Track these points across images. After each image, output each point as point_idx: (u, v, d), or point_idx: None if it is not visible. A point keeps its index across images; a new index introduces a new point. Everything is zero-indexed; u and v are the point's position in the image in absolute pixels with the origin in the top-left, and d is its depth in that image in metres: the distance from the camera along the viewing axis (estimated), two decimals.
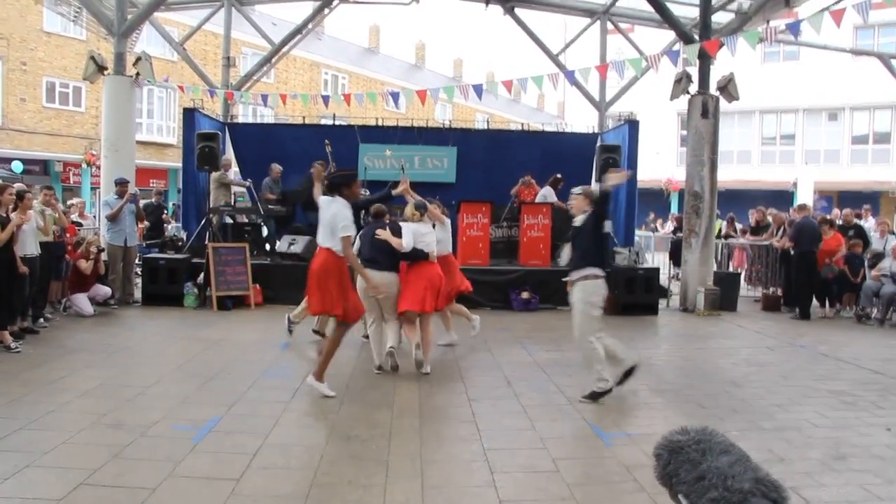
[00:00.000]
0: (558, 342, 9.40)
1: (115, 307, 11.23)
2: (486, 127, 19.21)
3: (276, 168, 14.26)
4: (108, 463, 4.66)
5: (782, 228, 13.45)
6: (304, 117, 18.40)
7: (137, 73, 13.36)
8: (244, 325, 10.23)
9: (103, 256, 11.12)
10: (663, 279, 13.65)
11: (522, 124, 24.30)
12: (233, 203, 14.43)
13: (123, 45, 13.44)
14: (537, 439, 5.41)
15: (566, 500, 4.31)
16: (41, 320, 9.55)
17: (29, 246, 8.74)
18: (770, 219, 14.69)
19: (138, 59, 13.40)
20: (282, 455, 4.97)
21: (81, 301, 10.54)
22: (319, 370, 6.52)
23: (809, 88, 28.64)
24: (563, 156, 15.43)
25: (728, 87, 12.90)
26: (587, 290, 6.44)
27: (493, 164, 15.22)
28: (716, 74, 12.92)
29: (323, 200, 6.59)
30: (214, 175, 13.40)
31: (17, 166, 19.81)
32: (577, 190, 6.79)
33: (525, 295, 12.05)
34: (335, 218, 6.31)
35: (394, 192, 8.55)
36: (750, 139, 31.59)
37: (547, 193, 13.72)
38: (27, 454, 4.75)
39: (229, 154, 15.28)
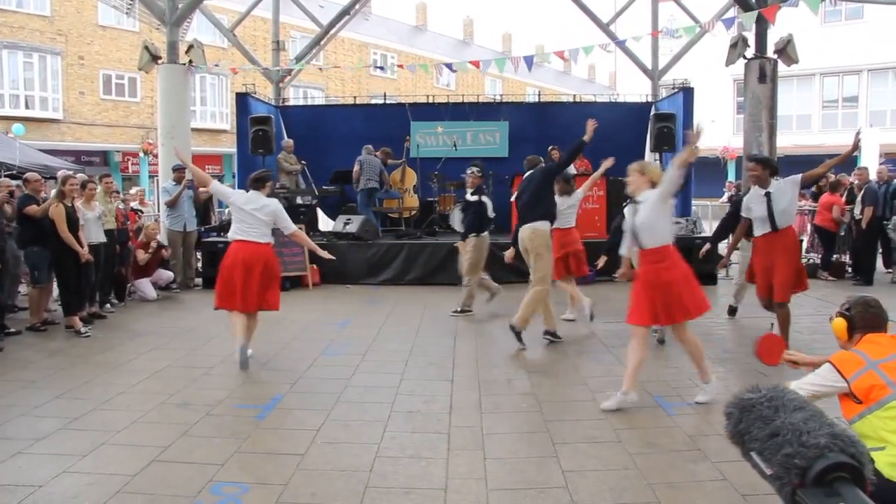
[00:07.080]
0: (616, 314, 9.31)
1: (177, 291, 11.50)
2: (536, 100, 18.99)
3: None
4: (178, 440, 4.80)
5: (846, 191, 13.04)
6: (354, 98, 18.50)
7: (190, 61, 13.57)
8: (302, 304, 10.36)
9: (164, 241, 11.36)
10: (722, 248, 13.35)
11: (574, 96, 24.02)
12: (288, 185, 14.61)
13: (176, 34, 13.66)
14: (598, 410, 5.38)
15: (629, 469, 4.28)
16: (108, 305, 9.85)
17: (94, 234, 8.99)
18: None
19: (190, 46, 13.63)
20: (344, 430, 5.04)
21: (145, 286, 10.82)
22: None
23: (874, 48, 27.56)
24: (616, 126, 15.15)
25: (786, 50, 12.49)
26: None
27: (545, 137, 15.05)
28: (773, 37, 12.53)
29: None
30: (280, 158, 13.73)
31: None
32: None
33: None
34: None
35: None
36: (810, 103, 30.62)
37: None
38: (102, 433, 4.92)
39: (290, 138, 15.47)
